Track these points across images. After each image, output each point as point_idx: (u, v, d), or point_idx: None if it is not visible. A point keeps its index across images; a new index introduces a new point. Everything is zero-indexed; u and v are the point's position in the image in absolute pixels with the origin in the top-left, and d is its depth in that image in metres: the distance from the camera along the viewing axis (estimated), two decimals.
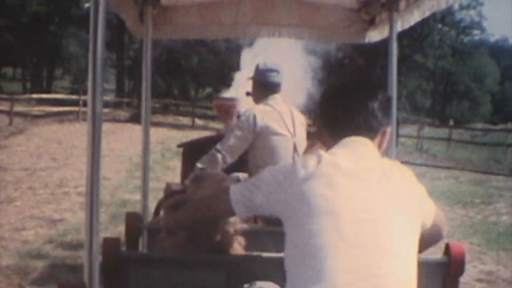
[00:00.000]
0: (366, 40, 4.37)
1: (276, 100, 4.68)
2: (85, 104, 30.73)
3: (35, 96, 33.29)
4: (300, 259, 2.05)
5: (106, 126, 26.29)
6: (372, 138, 2.30)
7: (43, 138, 21.37)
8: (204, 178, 3.11)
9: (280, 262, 2.18)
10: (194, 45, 37.67)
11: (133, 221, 3.48)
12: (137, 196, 7.89)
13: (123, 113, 32.86)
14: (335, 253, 1.99)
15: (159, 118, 30.64)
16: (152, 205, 4.18)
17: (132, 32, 4.05)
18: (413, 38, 42.10)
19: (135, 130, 24.97)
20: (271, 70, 4.73)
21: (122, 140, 21.49)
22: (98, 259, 2.27)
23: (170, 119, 33.22)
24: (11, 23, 41.76)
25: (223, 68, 33.75)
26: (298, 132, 4.69)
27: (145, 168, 4.10)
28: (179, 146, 5.97)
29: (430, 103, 50.85)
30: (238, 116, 5.29)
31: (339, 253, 1.99)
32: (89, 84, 2.26)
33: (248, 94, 5.05)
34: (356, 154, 2.21)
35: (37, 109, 30.62)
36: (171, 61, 38.93)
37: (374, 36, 4.27)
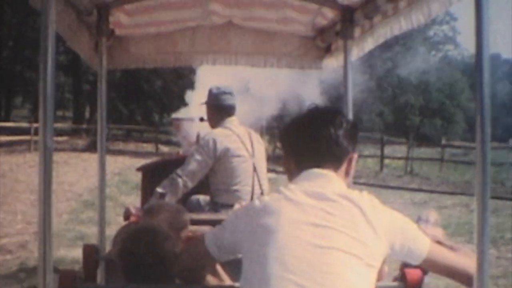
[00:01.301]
0: (323, 67, 4.58)
1: (233, 122, 4.91)
2: (36, 133, 29.71)
3: None
4: (245, 283, 2.18)
5: (60, 156, 25.83)
6: (337, 167, 2.35)
7: None
8: (159, 209, 3.29)
9: None
10: (156, 68, 37.69)
11: (90, 253, 3.55)
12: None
13: (80, 142, 32.52)
14: (280, 284, 2.05)
15: (120, 145, 30.21)
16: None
17: (87, 63, 4.18)
18: (394, 52, 42.56)
19: (91, 159, 24.31)
20: (225, 93, 4.94)
21: (75, 172, 21.05)
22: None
23: (131, 146, 32.90)
24: None
25: (187, 91, 33.75)
26: (257, 153, 4.92)
27: (102, 198, 4.21)
28: (138, 169, 6.08)
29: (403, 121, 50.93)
30: (197, 139, 5.45)
31: (284, 284, 2.05)
32: (40, 114, 2.34)
33: (202, 119, 5.24)
34: (314, 187, 2.26)
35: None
36: (133, 85, 38.88)
37: (330, 63, 4.49)
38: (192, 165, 4.75)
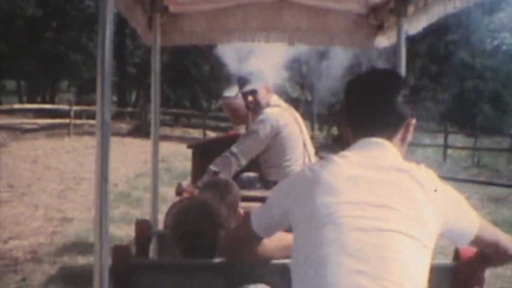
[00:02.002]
0: (375, 45, 4.77)
1: (278, 100, 5.22)
2: (76, 116, 28.60)
3: (17, 106, 33.22)
4: (302, 270, 2.16)
5: None
6: (393, 134, 2.35)
7: (16, 156, 20.25)
8: (212, 185, 3.54)
9: (280, 267, 2.53)
10: (205, 51, 37.96)
11: (143, 228, 3.79)
12: None
13: (124, 126, 32.72)
14: (337, 266, 2.06)
15: (166, 130, 30.10)
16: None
17: (142, 39, 4.48)
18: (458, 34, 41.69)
19: (133, 145, 24.45)
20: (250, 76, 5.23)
21: (115, 158, 20.21)
22: (107, 265, 2.49)
23: (178, 131, 32.72)
24: (2, 29, 40.45)
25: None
26: (304, 129, 5.20)
27: (155, 173, 4.43)
28: (188, 147, 6.37)
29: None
30: (247, 117, 5.71)
31: (341, 266, 2.06)
32: (98, 90, 2.46)
33: (247, 107, 5.46)
34: (369, 158, 2.26)
35: (31, 122, 30.50)
36: (180, 69, 39.21)
37: (383, 41, 4.66)
38: (247, 143, 5.02)
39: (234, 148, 4.97)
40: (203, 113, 34.94)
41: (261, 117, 5.10)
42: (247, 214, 2.84)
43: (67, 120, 28.84)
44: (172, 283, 2.86)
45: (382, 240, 2.10)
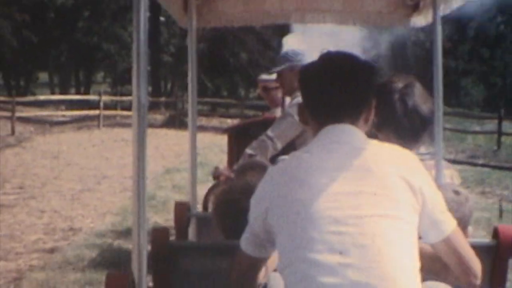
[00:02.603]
0: (411, 25, 4.93)
1: None
2: (106, 107, 28.79)
3: (42, 98, 33.15)
4: (291, 275, 2.20)
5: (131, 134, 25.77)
6: (357, 119, 2.39)
7: (38, 151, 20.32)
8: (249, 167, 3.76)
9: None
10: (242, 38, 38.15)
11: (182, 210, 3.95)
12: None
13: (158, 117, 32.64)
14: (323, 265, 2.12)
15: (203, 121, 29.89)
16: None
17: (177, 22, 4.70)
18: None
19: (167, 136, 24.22)
20: (299, 55, 5.36)
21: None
22: (146, 248, 2.52)
23: (215, 122, 32.52)
24: (33, 18, 40.11)
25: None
26: None
27: (193, 154, 4.59)
28: (224, 131, 6.64)
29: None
30: (283, 100, 5.93)
31: (327, 264, 2.12)
32: (133, 72, 2.54)
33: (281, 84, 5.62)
34: (336, 146, 2.32)
35: (60, 114, 31.01)
36: (218, 58, 39.49)
37: (419, 21, 4.78)
38: (282, 127, 5.17)
39: (270, 132, 5.14)
40: (241, 102, 35.10)
41: (296, 99, 5.22)
42: None
43: (97, 112, 28.96)
44: (211, 265, 3.01)
45: (361, 228, 2.15)
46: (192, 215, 4.07)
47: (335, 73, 2.41)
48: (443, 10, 4.20)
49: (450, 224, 2.35)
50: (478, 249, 2.73)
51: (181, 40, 41.18)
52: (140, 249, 2.47)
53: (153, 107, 34.82)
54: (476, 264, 2.39)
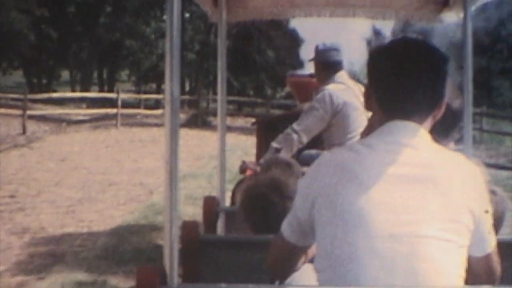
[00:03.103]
0: (441, 20, 5.07)
1: (343, 77, 5.62)
2: (124, 105, 28.47)
3: (55, 95, 32.71)
4: (333, 274, 2.15)
5: (151, 134, 24.56)
6: (426, 117, 2.27)
7: (45, 152, 19.53)
8: (272, 164, 3.90)
9: None
10: (269, 35, 38.19)
11: (211, 205, 4.14)
12: None
13: (182, 115, 32.04)
14: (368, 271, 2.09)
15: (228, 120, 28.16)
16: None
17: (209, 18, 4.92)
18: None
19: (188, 137, 23.30)
20: (331, 49, 5.69)
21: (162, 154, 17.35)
22: (177, 242, 2.56)
23: (241, 121, 32.06)
24: (53, 13, 39.82)
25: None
26: None
27: (222, 149, 4.71)
28: (253, 123, 6.88)
29: None
30: (311, 94, 6.15)
31: (373, 271, 2.08)
32: (166, 66, 2.59)
33: (312, 76, 6.00)
34: (400, 149, 2.19)
35: (75, 113, 30.98)
36: (244, 56, 39.59)
37: (449, 16, 4.94)
38: (308, 120, 5.43)
39: (295, 126, 5.39)
40: (267, 101, 35.24)
41: (321, 93, 5.51)
42: None
43: (115, 110, 28.53)
44: (240, 259, 3.14)
45: (414, 248, 2.09)
46: (221, 209, 4.23)
47: (410, 61, 2.26)
48: (474, 3, 4.35)
49: (491, 243, 2.31)
50: (504, 246, 2.78)
51: (206, 37, 41.43)
52: (171, 243, 2.50)
53: (158, 106, 34.69)
54: (498, 272, 2.41)
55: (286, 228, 2.39)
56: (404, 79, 2.24)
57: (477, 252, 2.27)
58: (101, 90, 45.14)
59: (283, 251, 2.48)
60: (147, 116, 31.21)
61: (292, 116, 6.05)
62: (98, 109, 30.36)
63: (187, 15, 39.59)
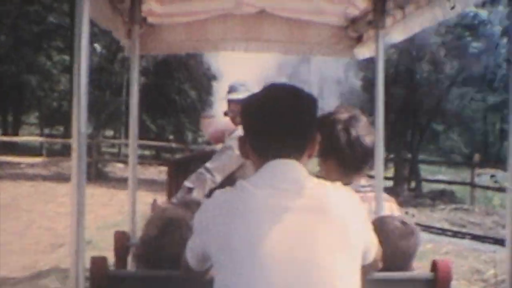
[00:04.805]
0: (354, 56, 5.81)
1: None
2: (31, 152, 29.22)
3: None
4: None
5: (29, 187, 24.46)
6: (301, 153, 2.67)
7: None
8: (183, 205, 3.97)
9: None
10: (191, 73, 38.26)
11: (122, 239, 4.50)
12: None
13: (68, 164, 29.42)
14: None
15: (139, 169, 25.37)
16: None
17: (126, 50, 5.42)
18: None
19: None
20: (237, 86, 6.28)
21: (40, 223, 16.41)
22: (84, 278, 2.82)
23: (153, 171, 31.63)
24: None
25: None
26: None
27: (133, 186, 5.08)
28: (164, 164, 7.50)
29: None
30: (223, 134, 6.80)
31: None
32: (74, 103, 2.83)
33: (226, 114, 6.55)
34: (282, 182, 2.54)
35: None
36: (161, 96, 39.98)
37: (362, 52, 5.68)
38: (221, 160, 6.02)
39: (208, 164, 5.98)
40: (186, 146, 35.36)
41: (236, 133, 6.07)
42: None
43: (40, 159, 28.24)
44: None
45: (308, 275, 2.41)
46: (131, 244, 4.55)
47: (278, 106, 2.64)
48: (385, 40, 4.92)
49: (374, 247, 2.79)
50: (416, 282, 3.35)
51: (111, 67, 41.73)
52: (78, 279, 2.76)
53: (64, 152, 33.30)
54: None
55: (188, 253, 2.78)
56: (272, 125, 2.64)
57: (366, 260, 2.72)
58: (4, 134, 42.40)
59: (189, 272, 2.88)
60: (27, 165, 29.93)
61: (203, 155, 6.68)
62: (19, 157, 30.23)
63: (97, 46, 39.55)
